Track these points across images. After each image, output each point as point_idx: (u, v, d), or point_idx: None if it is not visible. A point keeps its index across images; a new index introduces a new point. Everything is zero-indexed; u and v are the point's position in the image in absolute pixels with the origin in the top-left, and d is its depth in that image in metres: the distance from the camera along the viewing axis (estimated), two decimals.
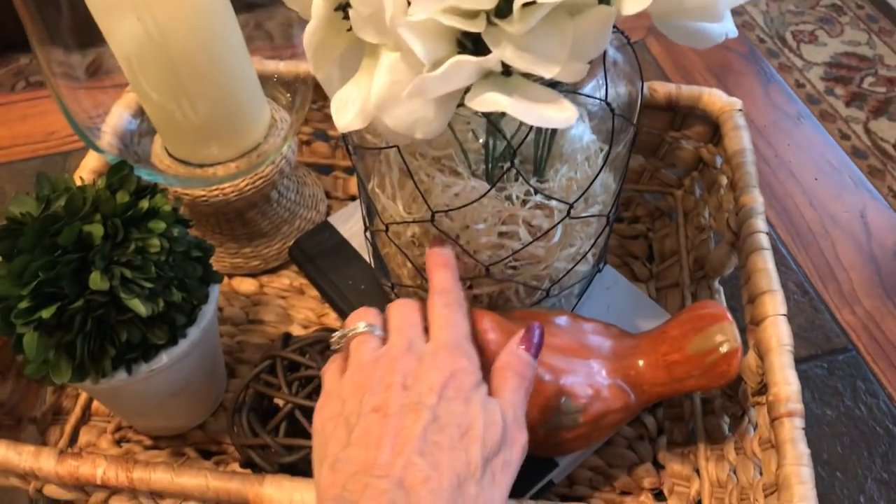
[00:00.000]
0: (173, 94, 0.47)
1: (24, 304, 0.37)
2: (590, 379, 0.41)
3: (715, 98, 0.56)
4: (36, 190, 0.41)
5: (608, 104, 0.38)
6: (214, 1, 0.46)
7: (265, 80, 0.55)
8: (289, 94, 0.56)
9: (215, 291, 0.45)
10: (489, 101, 0.30)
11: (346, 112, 0.33)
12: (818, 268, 0.61)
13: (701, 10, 0.30)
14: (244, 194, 0.54)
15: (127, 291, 0.39)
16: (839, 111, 1.66)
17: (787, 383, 0.40)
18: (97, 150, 0.51)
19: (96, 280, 0.38)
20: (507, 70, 0.31)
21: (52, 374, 0.39)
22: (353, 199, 0.66)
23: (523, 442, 0.34)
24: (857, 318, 0.58)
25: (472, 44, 0.31)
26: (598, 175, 0.40)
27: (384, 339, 0.37)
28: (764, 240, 0.47)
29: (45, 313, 0.37)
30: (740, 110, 0.55)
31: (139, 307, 0.39)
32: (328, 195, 0.66)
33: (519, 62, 0.30)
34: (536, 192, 0.41)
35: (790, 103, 0.74)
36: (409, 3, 0.30)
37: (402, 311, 0.38)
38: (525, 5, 0.28)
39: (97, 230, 0.39)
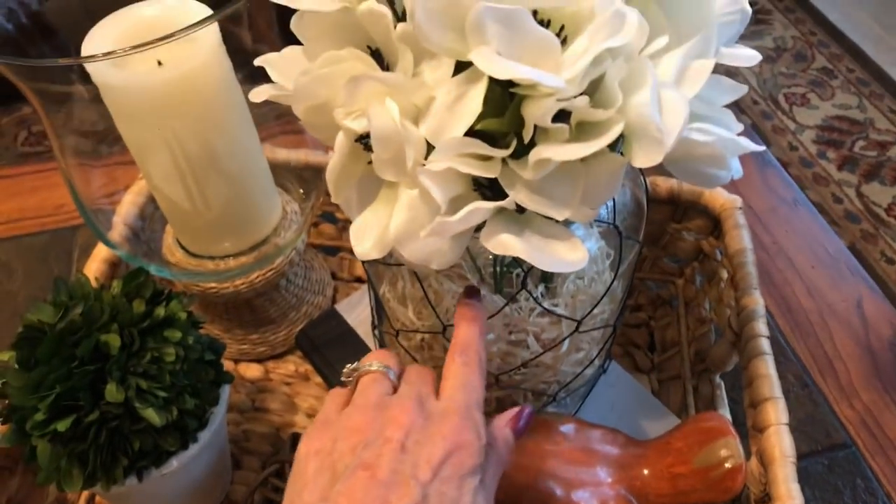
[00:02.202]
0: (187, 194, 0.49)
1: (39, 416, 0.38)
2: (597, 490, 0.41)
3: (716, 195, 0.58)
4: (53, 295, 0.42)
5: (616, 227, 0.39)
6: (232, 103, 0.47)
7: (276, 168, 0.56)
8: (301, 189, 0.57)
9: (226, 392, 0.46)
10: (504, 244, 0.31)
11: (364, 241, 0.35)
12: (817, 359, 0.62)
13: (710, 159, 0.31)
14: (254, 286, 0.55)
15: (142, 401, 0.39)
16: (832, 174, 1.69)
17: (790, 498, 0.40)
18: (108, 244, 0.51)
19: (112, 392, 0.38)
20: (520, 208, 0.32)
21: (64, 483, 0.39)
22: (359, 280, 0.67)
23: None
24: (855, 412, 0.59)
25: (487, 181, 0.32)
26: (605, 294, 0.41)
27: (395, 389, 0.35)
28: (766, 345, 0.47)
29: (61, 426, 0.38)
30: (740, 208, 0.57)
31: (153, 417, 0.39)
32: (334, 276, 0.67)
33: (532, 205, 0.31)
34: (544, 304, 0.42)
35: (786, 188, 0.76)
36: (428, 148, 0.31)
37: (421, 370, 0.36)
38: (539, 161, 0.29)
39: (114, 340, 0.39)
